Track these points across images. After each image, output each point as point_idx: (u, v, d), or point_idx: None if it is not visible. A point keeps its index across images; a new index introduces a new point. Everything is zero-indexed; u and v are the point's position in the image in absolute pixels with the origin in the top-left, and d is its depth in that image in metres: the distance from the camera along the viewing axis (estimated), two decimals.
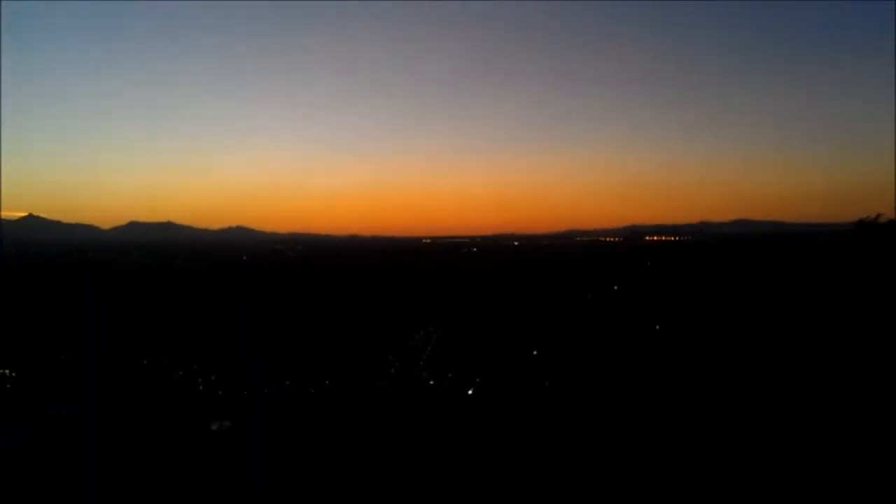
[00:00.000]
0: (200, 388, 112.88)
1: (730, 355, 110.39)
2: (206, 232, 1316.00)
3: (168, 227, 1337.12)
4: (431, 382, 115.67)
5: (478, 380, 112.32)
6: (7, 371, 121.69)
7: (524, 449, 72.69)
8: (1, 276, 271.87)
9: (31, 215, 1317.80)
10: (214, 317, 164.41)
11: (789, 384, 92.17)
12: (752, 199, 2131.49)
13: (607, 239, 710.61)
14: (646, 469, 65.37)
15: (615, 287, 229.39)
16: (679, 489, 60.94)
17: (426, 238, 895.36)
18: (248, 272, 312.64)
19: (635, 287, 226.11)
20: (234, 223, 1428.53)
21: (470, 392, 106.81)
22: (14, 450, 77.25)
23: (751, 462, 64.66)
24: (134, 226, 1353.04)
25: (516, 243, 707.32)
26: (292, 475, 67.42)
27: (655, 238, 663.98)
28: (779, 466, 62.16)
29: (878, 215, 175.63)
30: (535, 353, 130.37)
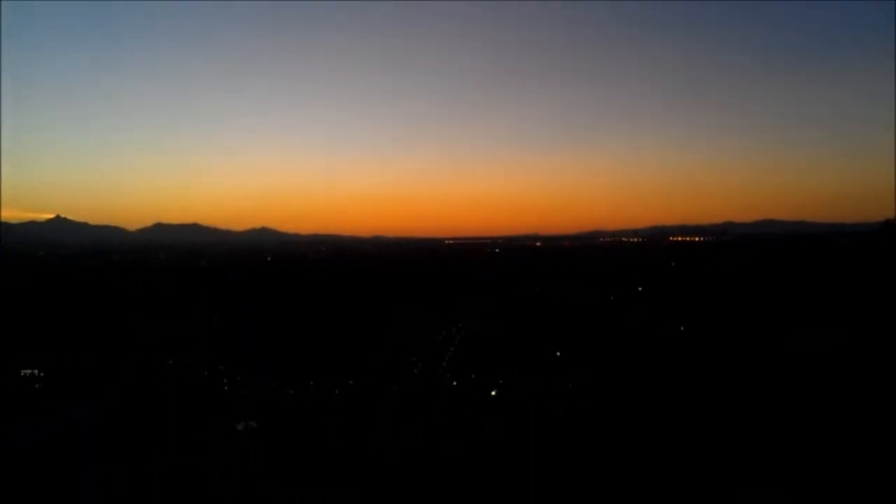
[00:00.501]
0: (225, 388, 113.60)
1: (753, 358, 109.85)
2: (230, 233, 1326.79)
3: (193, 228, 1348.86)
4: (454, 383, 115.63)
5: (501, 381, 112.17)
6: (35, 371, 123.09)
7: (534, 447, 72.96)
8: (31, 278, 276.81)
9: (58, 217, 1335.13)
10: (239, 317, 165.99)
11: (809, 384, 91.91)
12: (778, 200, 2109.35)
13: (631, 240, 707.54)
14: (659, 469, 65.38)
15: (639, 288, 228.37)
16: (689, 490, 60.89)
17: (449, 239, 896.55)
18: (273, 273, 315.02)
19: (659, 288, 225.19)
20: (258, 224, 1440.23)
21: (493, 393, 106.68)
22: (29, 449, 78.28)
23: (764, 462, 64.60)
24: (160, 227, 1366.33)
25: (539, 244, 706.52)
26: (310, 473, 67.90)
27: (679, 239, 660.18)
28: (793, 466, 62.07)
29: None
30: (558, 354, 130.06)
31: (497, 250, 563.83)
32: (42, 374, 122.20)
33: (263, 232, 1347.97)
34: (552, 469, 67.06)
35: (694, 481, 62.03)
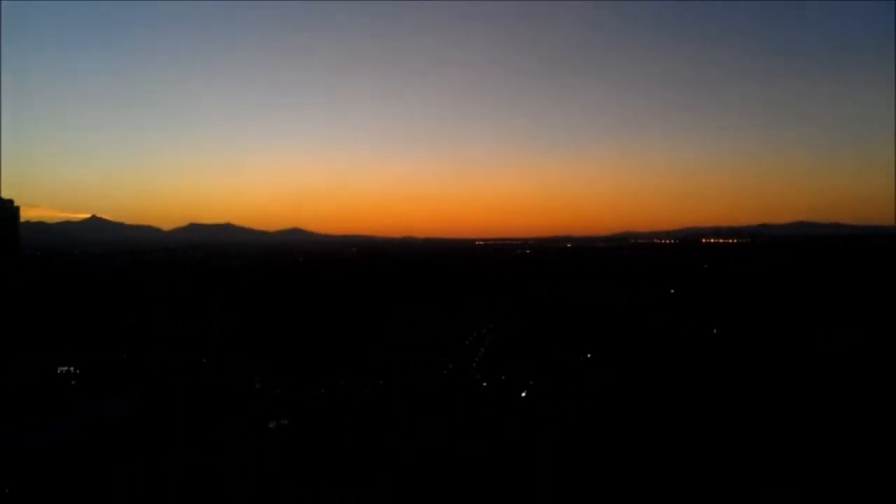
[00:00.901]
0: (257, 386, 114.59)
1: (780, 360, 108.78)
2: (263, 233, 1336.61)
3: (227, 228, 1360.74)
4: (484, 384, 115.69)
5: (531, 382, 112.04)
6: (71, 368, 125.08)
7: (556, 450, 72.96)
8: (67, 276, 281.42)
9: (94, 217, 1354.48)
10: (272, 317, 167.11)
11: (831, 385, 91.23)
12: (813, 201, 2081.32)
13: (663, 241, 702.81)
14: (683, 469, 65.18)
15: (671, 290, 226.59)
16: (712, 489, 60.66)
17: (479, 240, 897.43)
18: (305, 274, 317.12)
19: (692, 290, 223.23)
20: (290, 225, 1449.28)
21: (523, 394, 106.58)
22: (50, 447, 79.37)
23: (787, 462, 64.21)
24: (194, 227, 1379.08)
25: (570, 245, 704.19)
26: (326, 473, 68.49)
27: (713, 240, 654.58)
28: (814, 466, 61.70)
29: None
30: (588, 355, 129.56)
31: (528, 251, 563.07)
32: (78, 372, 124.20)
33: (296, 232, 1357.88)
34: (573, 471, 66.92)
35: (717, 481, 61.91)
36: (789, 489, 58.51)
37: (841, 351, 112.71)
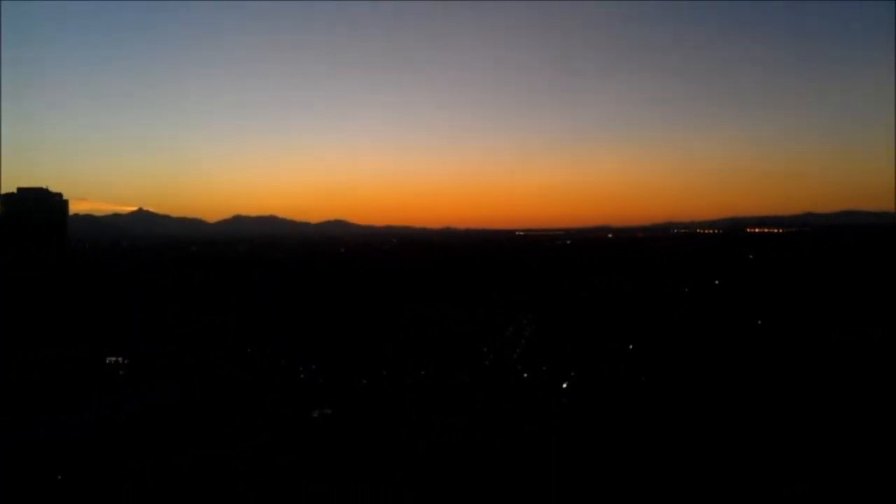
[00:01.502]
0: (301, 376, 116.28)
1: (819, 353, 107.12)
2: (306, 225, 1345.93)
3: (270, 220, 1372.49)
4: (525, 375, 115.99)
5: (572, 373, 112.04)
6: (120, 358, 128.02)
7: (574, 443, 73.21)
8: (112, 271, 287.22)
9: (141, 209, 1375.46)
10: (316, 308, 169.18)
11: (865, 383, 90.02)
12: (863, 190, 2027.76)
13: (706, 231, 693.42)
14: (703, 466, 65.20)
15: (715, 281, 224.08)
16: (728, 486, 60.62)
17: (520, 230, 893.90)
18: (347, 266, 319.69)
19: (736, 281, 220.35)
20: (332, 216, 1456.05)
21: (564, 385, 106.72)
22: (67, 443, 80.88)
23: (802, 457, 63.85)
24: (238, 219, 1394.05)
25: (610, 236, 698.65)
26: (353, 466, 69.39)
27: (757, 230, 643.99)
28: (829, 461, 61.32)
29: None
30: (630, 346, 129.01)
31: (569, 242, 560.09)
32: (125, 362, 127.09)
33: (337, 224, 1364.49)
34: (597, 466, 67.03)
35: (734, 477, 61.92)
36: (804, 485, 58.30)
37: (875, 347, 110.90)
